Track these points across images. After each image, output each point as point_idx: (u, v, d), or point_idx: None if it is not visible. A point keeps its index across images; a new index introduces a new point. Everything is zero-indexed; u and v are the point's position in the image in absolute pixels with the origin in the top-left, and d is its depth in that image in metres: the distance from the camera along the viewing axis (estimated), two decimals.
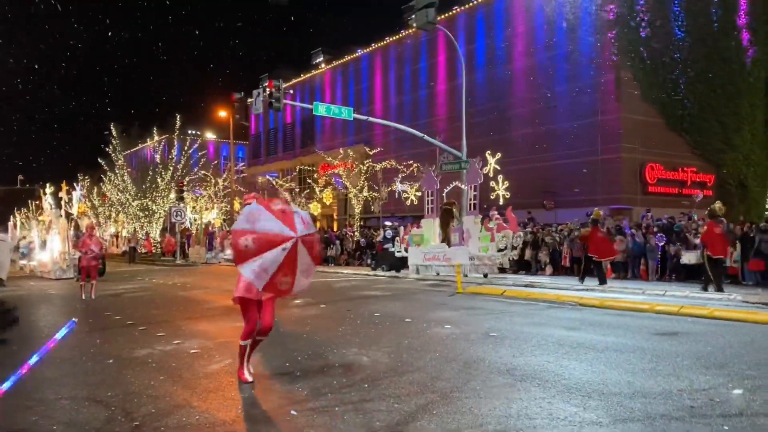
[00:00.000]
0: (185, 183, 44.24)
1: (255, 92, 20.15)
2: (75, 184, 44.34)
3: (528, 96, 31.66)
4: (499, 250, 18.35)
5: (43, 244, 25.43)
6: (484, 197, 24.03)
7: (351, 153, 39.62)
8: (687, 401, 4.98)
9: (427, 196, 21.49)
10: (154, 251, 45.23)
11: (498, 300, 13.10)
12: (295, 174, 48.53)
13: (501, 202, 23.43)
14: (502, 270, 18.61)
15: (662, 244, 16.88)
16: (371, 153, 37.24)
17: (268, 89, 19.41)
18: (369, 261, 25.18)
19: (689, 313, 10.22)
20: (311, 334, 8.62)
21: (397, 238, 22.08)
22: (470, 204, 19.79)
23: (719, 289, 12.90)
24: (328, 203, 42.57)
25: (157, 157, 50.93)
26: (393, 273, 21.17)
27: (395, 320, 9.71)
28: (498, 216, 19.27)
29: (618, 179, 27.86)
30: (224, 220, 48.42)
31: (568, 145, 29.28)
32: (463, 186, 20.03)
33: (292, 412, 4.86)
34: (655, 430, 4.28)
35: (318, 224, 42.53)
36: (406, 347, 7.49)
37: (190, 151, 50.17)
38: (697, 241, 15.12)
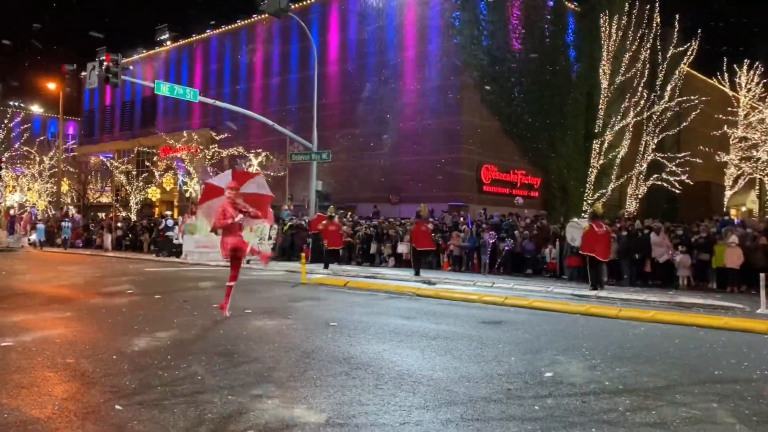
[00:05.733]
0: (4, 159, 39.75)
1: (90, 65, 18.69)
2: None
3: (377, 93, 32.40)
4: (260, 240, 21.29)
5: None
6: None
7: (195, 137, 38.06)
8: (505, 384, 5.42)
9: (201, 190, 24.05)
10: None
11: (340, 291, 13.32)
12: (132, 156, 45.55)
13: None
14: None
15: (493, 240, 18.14)
16: (218, 138, 36.04)
17: (105, 63, 18.08)
18: (151, 247, 26.35)
19: (513, 303, 11.12)
20: (143, 326, 8.17)
21: (177, 227, 24.18)
22: None
23: (417, 273, 15.92)
24: (168, 189, 40.56)
25: None
26: (174, 258, 22.76)
27: (235, 312, 9.50)
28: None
29: (457, 178, 29.47)
30: (50, 202, 44.41)
31: (413, 142, 30.40)
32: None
33: (117, 406, 4.58)
34: (476, 411, 4.61)
35: (156, 211, 40.39)
36: (244, 338, 7.37)
37: (11, 125, 45.20)
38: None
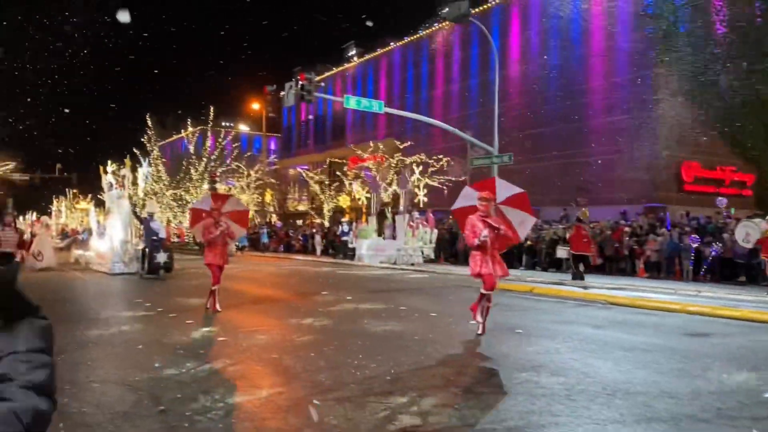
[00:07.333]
0: (218, 174, 44.77)
1: (287, 85, 20.28)
2: (141, 159, 36.75)
3: (562, 91, 31.23)
4: (425, 244, 23.62)
5: (97, 233, 21.70)
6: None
7: (381, 146, 39.63)
8: (715, 403, 4.88)
9: (374, 198, 27.45)
10: (186, 241, 45.92)
11: (526, 297, 13.01)
12: (325, 167, 48.71)
13: (421, 205, 30.83)
14: (429, 261, 23.37)
15: (696, 245, 16.54)
16: (401, 147, 37.17)
17: (300, 82, 19.52)
18: (330, 251, 29.41)
19: (722, 314, 10.02)
20: (337, 325, 8.67)
21: (351, 232, 26.50)
22: (402, 205, 24.98)
23: (580, 278, 15.66)
24: (356, 197, 42.68)
25: (191, 148, 51.53)
26: (349, 261, 24.92)
27: (421, 314, 9.71)
28: (418, 216, 24.67)
29: (653, 177, 27.33)
30: (256, 211, 48.92)
31: (602, 141, 28.82)
32: (399, 190, 26.74)
33: (315, 401, 4.90)
34: (680, 430, 4.21)
35: (346, 216, 42.62)
36: (431, 341, 7.48)
37: (224, 143, 50.70)
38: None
